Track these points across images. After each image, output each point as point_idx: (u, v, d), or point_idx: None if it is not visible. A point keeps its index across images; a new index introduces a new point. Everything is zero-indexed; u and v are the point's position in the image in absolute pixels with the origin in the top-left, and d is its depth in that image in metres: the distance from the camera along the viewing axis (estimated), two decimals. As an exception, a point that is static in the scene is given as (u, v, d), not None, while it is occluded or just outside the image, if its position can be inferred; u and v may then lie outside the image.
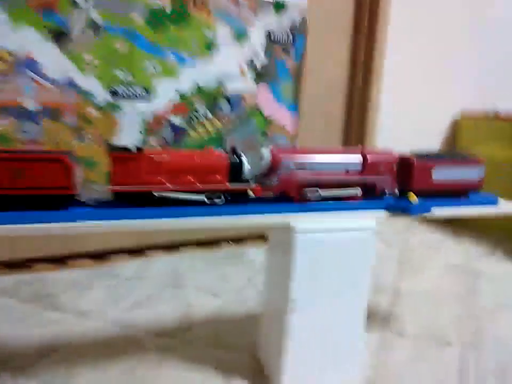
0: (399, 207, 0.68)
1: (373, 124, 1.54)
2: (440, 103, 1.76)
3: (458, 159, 0.77)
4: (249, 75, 1.29)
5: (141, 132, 1.17)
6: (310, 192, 0.66)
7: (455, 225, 1.90)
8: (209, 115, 1.26)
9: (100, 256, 1.20)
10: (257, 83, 1.31)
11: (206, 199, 0.61)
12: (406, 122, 1.68)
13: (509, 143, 1.61)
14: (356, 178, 0.69)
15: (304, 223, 0.62)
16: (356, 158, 0.70)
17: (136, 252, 1.24)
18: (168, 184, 0.59)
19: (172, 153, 0.61)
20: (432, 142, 1.82)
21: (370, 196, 0.71)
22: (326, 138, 1.51)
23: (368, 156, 0.70)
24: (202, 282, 1.09)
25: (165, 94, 1.18)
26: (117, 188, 0.58)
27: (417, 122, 1.71)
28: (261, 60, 1.29)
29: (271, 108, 1.34)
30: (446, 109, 1.79)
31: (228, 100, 1.27)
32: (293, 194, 0.66)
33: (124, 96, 1.13)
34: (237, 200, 0.63)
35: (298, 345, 0.65)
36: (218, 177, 0.61)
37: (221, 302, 0.99)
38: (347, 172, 0.69)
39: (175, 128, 1.22)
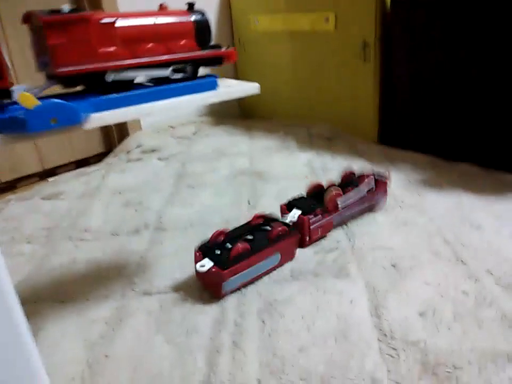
0: (5, 122, 0.41)
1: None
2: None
3: None
4: None
5: None
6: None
7: (258, 119, 1.73)
8: None
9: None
10: None
11: (172, 74, 0.48)
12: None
13: (283, 13, 1.48)
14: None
15: None
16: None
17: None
18: (129, 60, 0.45)
19: (120, 14, 0.45)
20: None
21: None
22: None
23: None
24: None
25: None
26: (64, 69, 0.41)
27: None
28: None
29: None
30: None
31: None
32: None
33: None
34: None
35: None
36: (183, 42, 0.48)
37: None
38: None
39: None
